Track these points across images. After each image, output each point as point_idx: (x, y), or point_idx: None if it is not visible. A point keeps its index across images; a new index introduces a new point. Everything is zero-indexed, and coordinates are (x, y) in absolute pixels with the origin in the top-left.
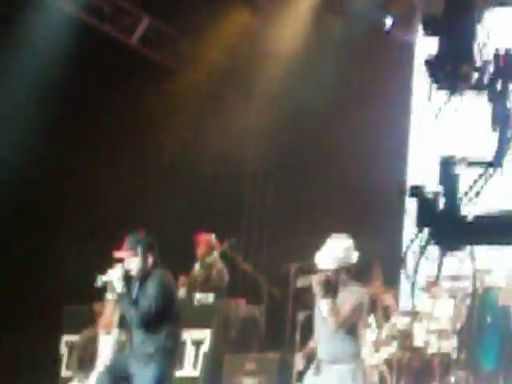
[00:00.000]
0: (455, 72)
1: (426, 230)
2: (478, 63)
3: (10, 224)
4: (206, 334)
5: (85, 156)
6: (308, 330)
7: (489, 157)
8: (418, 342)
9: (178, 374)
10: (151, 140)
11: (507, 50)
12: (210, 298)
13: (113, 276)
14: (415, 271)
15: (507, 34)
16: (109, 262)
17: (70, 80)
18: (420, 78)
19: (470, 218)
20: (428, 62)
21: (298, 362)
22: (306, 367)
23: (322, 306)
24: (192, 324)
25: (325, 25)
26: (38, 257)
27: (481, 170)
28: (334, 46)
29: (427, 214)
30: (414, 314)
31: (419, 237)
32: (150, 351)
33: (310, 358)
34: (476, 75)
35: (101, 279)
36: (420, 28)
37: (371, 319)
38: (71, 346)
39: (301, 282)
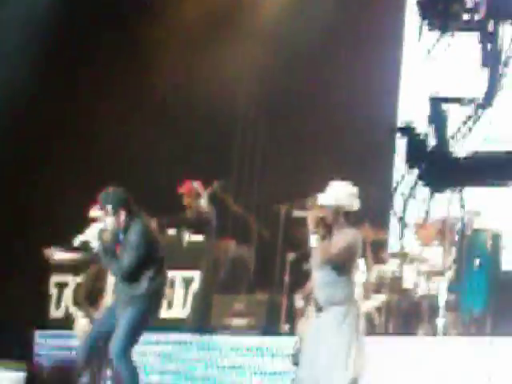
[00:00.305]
0: (446, 11)
1: (414, 170)
2: (469, 4)
3: None
4: (195, 275)
5: (75, 99)
6: (297, 270)
7: (479, 96)
8: (407, 283)
9: (167, 314)
10: (142, 81)
11: None
12: (199, 238)
13: (89, 236)
14: (404, 212)
15: None
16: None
17: (60, 23)
18: (412, 18)
19: (459, 157)
20: (419, 3)
21: (298, 301)
22: (305, 307)
23: (311, 240)
24: (181, 265)
25: None
26: (25, 198)
27: (471, 110)
28: None
29: (417, 153)
30: (403, 256)
31: (408, 177)
32: (131, 295)
33: (309, 298)
34: (467, 16)
35: (78, 239)
36: None
37: (361, 262)
38: (61, 286)
39: (297, 213)
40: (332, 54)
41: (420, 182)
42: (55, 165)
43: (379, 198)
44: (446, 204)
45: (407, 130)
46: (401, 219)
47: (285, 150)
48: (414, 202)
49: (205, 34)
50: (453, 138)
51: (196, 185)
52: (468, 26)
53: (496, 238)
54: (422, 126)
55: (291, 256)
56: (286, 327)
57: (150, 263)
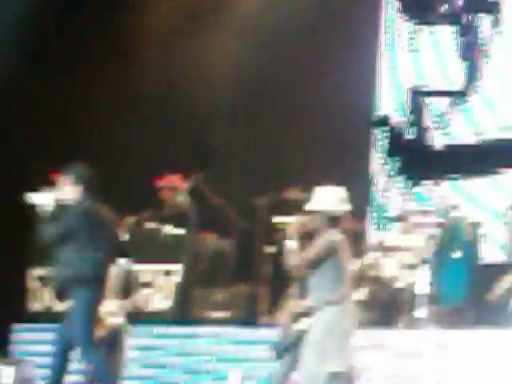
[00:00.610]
0: (423, 4)
1: (394, 162)
2: None
3: None
4: (175, 268)
5: (50, 88)
6: (276, 262)
7: (457, 87)
8: (387, 275)
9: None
10: (121, 73)
11: None
12: (179, 231)
13: (38, 199)
14: (383, 203)
15: None
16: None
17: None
18: (390, 11)
19: (438, 148)
20: None
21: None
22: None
23: (288, 245)
24: (161, 257)
25: None
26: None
27: (449, 101)
28: None
29: (395, 145)
30: (383, 247)
31: (387, 168)
32: (70, 275)
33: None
34: (446, 7)
35: (29, 198)
36: None
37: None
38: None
39: (279, 220)
40: (309, 48)
41: (398, 174)
42: (26, 155)
43: (357, 190)
44: (425, 195)
45: (384, 123)
46: (379, 211)
47: (264, 143)
48: (393, 194)
49: (184, 27)
50: (431, 129)
51: (174, 178)
52: (445, 19)
53: (475, 228)
54: (400, 119)
55: (270, 249)
56: (265, 319)
57: (90, 247)
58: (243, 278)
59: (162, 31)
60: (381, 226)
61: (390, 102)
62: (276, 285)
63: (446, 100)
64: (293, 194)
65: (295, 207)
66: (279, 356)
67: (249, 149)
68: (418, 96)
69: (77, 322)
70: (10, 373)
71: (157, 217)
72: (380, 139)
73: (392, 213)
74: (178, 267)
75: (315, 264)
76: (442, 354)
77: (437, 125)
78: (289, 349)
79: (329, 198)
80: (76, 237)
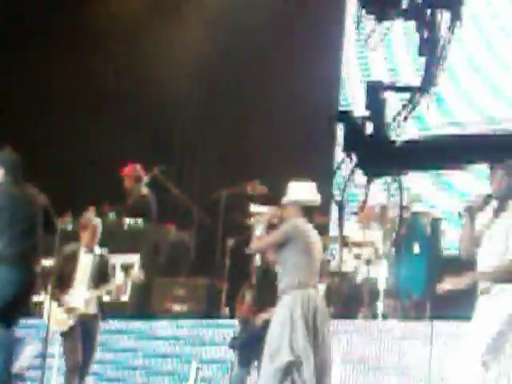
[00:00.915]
0: None
1: (353, 156)
2: None
3: None
4: (135, 259)
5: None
6: (237, 255)
7: (417, 83)
8: (347, 268)
9: (106, 298)
10: (85, 67)
11: None
12: (139, 222)
13: None
14: (342, 197)
15: None
16: None
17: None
18: (352, 6)
19: (397, 143)
20: None
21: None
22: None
23: (257, 230)
24: (121, 249)
25: None
26: None
27: (409, 96)
28: None
29: (354, 139)
30: (343, 240)
31: (347, 163)
32: None
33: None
34: (405, 2)
35: None
36: None
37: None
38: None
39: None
40: (273, 42)
41: (358, 168)
42: None
43: (320, 185)
44: (385, 189)
45: (345, 117)
46: (340, 204)
47: (226, 136)
48: (353, 187)
49: (147, 17)
50: (390, 124)
51: (138, 168)
52: (406, 14)
53: (436, 221)
54: (361, 113)
55: (231, 241)
56: (226, 311)
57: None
58: (204, 270)
59: (125, 21)
60: (342, 221)
61: (354, 98)
62: (236, 278)
63: (406, 95)
64: (252, 187)
65: (254, 200)
66: (237, 350)
67: (211, 142)
68: (377, 91)
69: None
70: None
71: (117, 206)
72: (341, 134)
73: (353, 207)
74: (137, 258)
75: (276, 247)
76: (401, 347)
77: (396, 119)
78: (247, 343)
79: (303, 189)
80: None
